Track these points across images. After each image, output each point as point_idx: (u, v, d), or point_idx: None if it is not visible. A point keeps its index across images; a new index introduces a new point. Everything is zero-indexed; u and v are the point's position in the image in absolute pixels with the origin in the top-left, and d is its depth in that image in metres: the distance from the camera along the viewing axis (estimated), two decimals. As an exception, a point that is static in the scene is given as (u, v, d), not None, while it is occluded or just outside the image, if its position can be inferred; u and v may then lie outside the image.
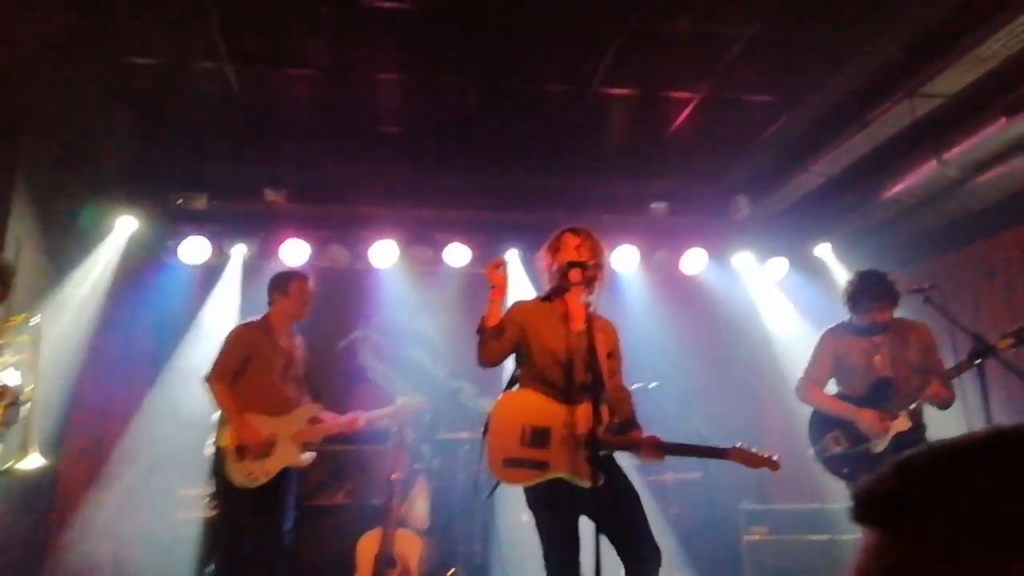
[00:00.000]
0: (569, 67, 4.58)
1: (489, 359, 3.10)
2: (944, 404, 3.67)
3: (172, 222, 5.69)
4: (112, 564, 5.08)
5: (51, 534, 5.13)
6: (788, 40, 4.22)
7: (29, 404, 3.24)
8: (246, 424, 3.82)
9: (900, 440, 3.65)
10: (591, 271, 3.11)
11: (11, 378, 3.27)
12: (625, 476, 3.08)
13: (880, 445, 3.68)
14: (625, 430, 3.11)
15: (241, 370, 3.95)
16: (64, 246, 5.30)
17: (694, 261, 6.15)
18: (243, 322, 4.17)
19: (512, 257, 6.05)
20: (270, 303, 4.16)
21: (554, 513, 2.91)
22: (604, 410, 2.92)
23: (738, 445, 2.99)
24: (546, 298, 3.19)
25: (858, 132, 4.75)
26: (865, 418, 3.72)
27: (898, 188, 5.22)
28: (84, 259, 5.31)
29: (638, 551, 2.89)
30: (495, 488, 3.08)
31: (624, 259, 5.96)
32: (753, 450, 2.99)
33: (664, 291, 6.12)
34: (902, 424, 3.66)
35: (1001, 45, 3.66)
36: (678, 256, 6.16)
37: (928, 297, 3.42)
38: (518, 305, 3.27)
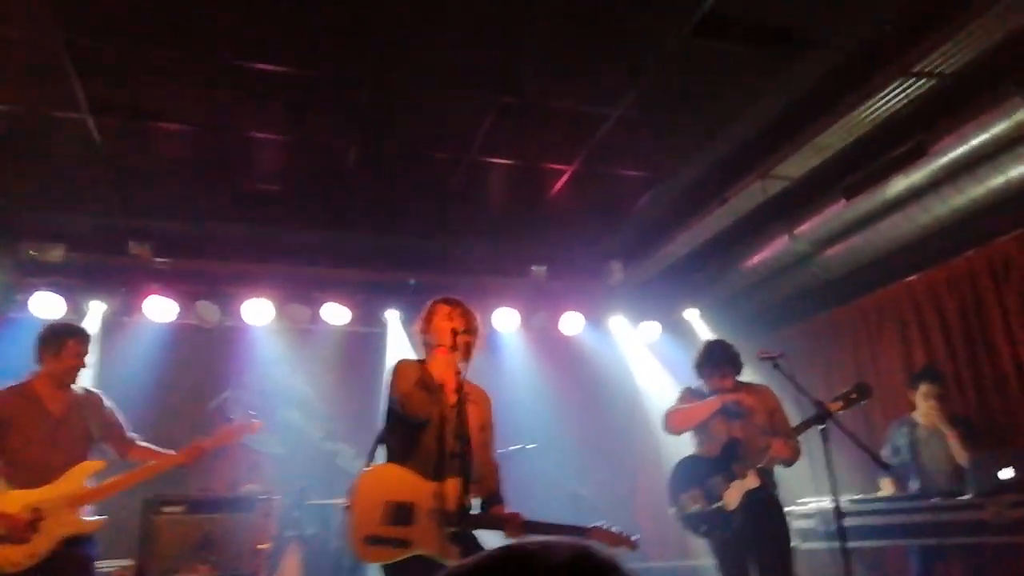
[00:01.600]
0: (448, 134, 4.69)
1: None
2: (787, 463, 3.94)
3: (23, 275, 5.29)
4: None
5: None
6: (654, 120, 4.53)
7: None
8: None
9: (750, 497, 3.87)
10: (464, 336, 3.15)
11: None
12: (480, 545, 3.05)
13: (732, 503, 3.89)
14: (490, 504, 3.11)
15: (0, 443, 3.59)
16: None
17: (572, 323, 6.34)
18: (0, 388, 3.73)
19: (391, 317, 6.02)
20: (38, 361, 3.75)
21: None
22: (471, 486, 2.92)
23: (599, 525, 3.04)
24: (421, 362, 3.20)
25: (717, 207, 5.12)
26: (706, 402, 4.02)
27: (755, 260, 5.65)
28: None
29: None
30: (356, 566, 2.99)
31: (504, 321, 6.07)
32: (614, 530, 3.05)
33: (543, 352, 6.26)
34: (751, 482, 3.88)
35: (837, 137, 4.09)
36: (556, 318, 6.34)
37: (777, 364, 3.68)
38: (410, 363, 3.21)
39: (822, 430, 3.42)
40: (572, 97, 4.25)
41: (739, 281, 5.98)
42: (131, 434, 3.92)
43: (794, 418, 4.08)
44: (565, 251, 6.45)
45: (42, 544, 3.42)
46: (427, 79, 4.08)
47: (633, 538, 3.02)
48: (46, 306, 5.23)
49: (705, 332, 6.22)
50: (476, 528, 2.96)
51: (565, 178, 5.19)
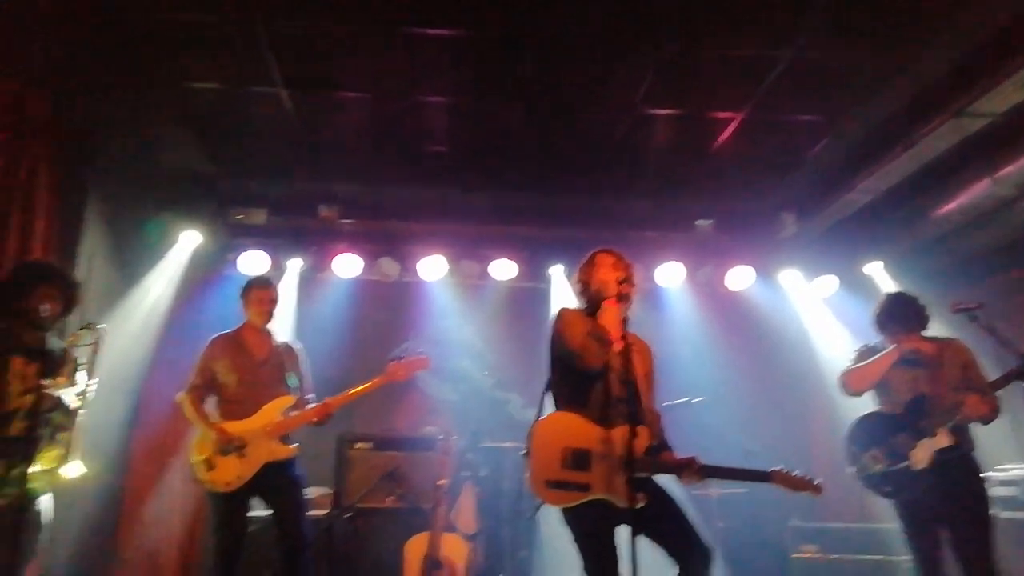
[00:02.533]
0: (612, 88, 4.67)
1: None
2: (983, 420, 3.61)
3: (232, 236, 5.96)
4: (177, 567, 5.33)
5: (119, 544, 5.38)
6: (832, 60, 4.24)
7: (82, 411, 3.31)
8: (211, 426, 3.94)
9: (941, 457, 3.62)
10: (627, 286, 3.17)
11: (75, 388, 3.37)
12: (659, 485, 3.09)
13: (920, 463, 3.65)
14: (658, 451, 3.14)
15: (213, 381, 4.09)
16: (132, 259, 5.60)
17: (740, 278, 6.15)
18: (216, 335, 4.25)
19: (556, 273, 6.16)
20: (243, 310, 4.26)
21: (593, 532, 2.95)
22: (642, 431, 2.95)
23: (780, 469, 2.99)
24: (589, 313, 3.27)
25: (904, 151, 4.73)
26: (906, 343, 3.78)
27: (950, 207, 5.16)
28: (150, 271, 5.60)
29: (688, 552, 2.91)
30: (539, 508, 3.11)
31: (669, 275, 6.01)
32: (795, 473, 2.99)
33: (709, 307, 6.14)
34: (942, 441, 3.62)
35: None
36: (723, 272, 6.18)
37: (975, 316, 3.40)
38: (576, 312, 3.27)
39: (1025, 385, 3.12)
40: (740, 42, 4.08)
41: (930, 231, 5.49)
42: (308, 396, 4.28)
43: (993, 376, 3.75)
44: (732, 203, 6.24)
45: (247, 468, 3.92)
46: (591, 32, 4.08)
47: (817, 481, 2.95)
48: (253, 264, 5.87)
49: (889, 286, 5.80)
50: (653, 473, 3.01)
51: (733, 127, 5.01)
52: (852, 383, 3.98)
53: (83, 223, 4.91)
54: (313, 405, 4.16)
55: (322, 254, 6.02)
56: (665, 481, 3.18)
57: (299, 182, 5.99)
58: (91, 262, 5.04)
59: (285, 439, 4.07)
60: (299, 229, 6.08)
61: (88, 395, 3.41)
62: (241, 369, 4.09)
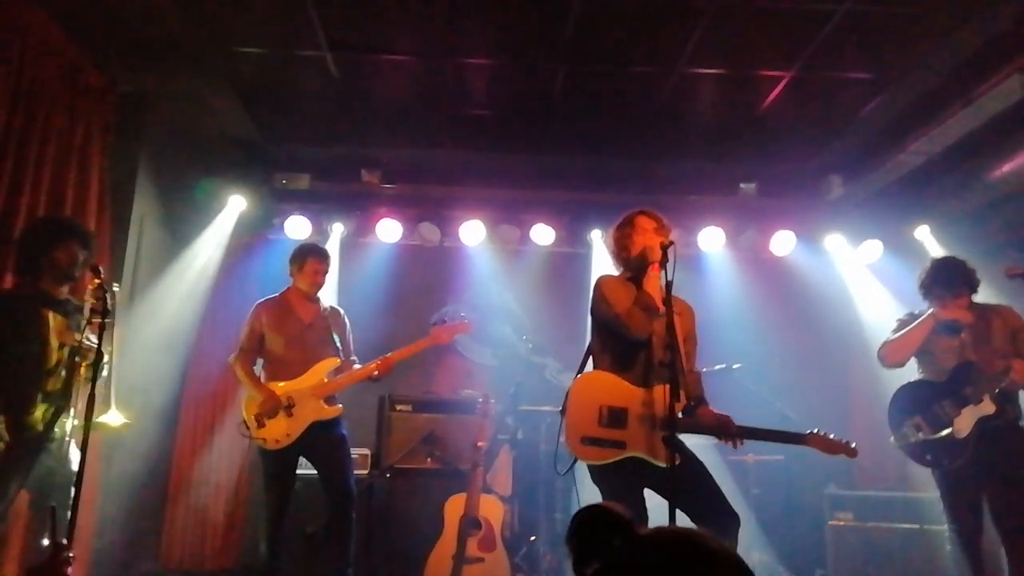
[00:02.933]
0: (656, 47, 4.59)
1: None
2: None
3: (277, 201, 6.07)
4: (226, 520, 5.55)
5: (169, 497, 5.60)
6: (887, 14, 4.09)
7: (108, 363, 3.31)
8: (260, 388, 4.07)
9: (985, 425, 3.55)
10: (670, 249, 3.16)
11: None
12: (689, 451, 3.12)
13: (963, 431, 3.59)
14: (694, 409, 3.16)
15: (261, 345, 4.21)
16: (181, 222, 5.76)
17: (783, 243, 6.05)
18: (261, 300, 4.37)
19: (596, 238, 6.14)
20: (291, 274, 4.36)
21: (623, 491, 2.97)
22: (680, 392, 2.95)
23: (816, 431, 3.01)
24: (631, 279, 3.26)
25: (962, 109, 4.55)
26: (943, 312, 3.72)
27: (1005, 169, 4.96)
28: (199, 234, 5.75)
29: (715, 517, 2.93)
30: (573, 464, 3.15)
31: (711, 240, 5.94)
32: (831, 436, 3.00)
33: (752, 272, 6.06)
34: (987, 408, 3.56)
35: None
36: (767, 237, 6.08)
37: (1030, 281, 3.30)
38: (617, 280, 3.30)
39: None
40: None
41: (983, 194, 5.29)
42: (353, 357, 4.40)
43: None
44: (777, 167, 6.10)
45: (295, 426, 4.05)
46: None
47: (852, 444, 2.98)
48: (297, 228, 5.98)
49: (937, 251, 5.64)
50: (690, 432, 3.04)
51: (782, 86, 4.89)
52: (889, 356, 3.92)
53: (135, 186, 5.06)
54: (359, 365, 4.27)
55: (364, 219, 6.09)
56: (696, 447, 3.21)
57: (342, 147, 6.05)
58: (142, 224, 5.20)
59: (331, 400, 4.19)
60: (342, 194, 6.15)
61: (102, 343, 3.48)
62: (288, 332, 4.21)
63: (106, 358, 3.29)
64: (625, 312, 3.08)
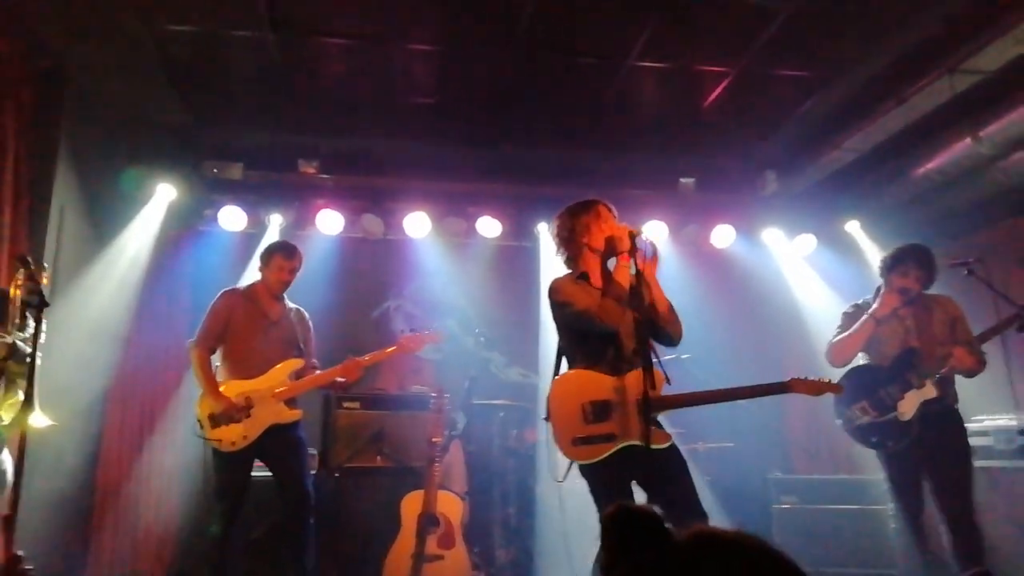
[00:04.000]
0: (606, 39, 4.60)
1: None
2: (970, 372, 3.75)
3: (209, 191, 5.76)
4: (157, 527, 5.24)
5: (96, 501, 5.25)
6: (828, 14, 4.23)
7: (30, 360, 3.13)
8: (216, 393, 3.87)
9: (927, 408, 3.73)
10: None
11: (24, 333, 3.12)
12: (678, 452, 3.12)
13: (907, 414, 3.76)
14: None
15: (224, 336, 4.02)
16: (105, 213, 5.39)
17: (723, 236, 6.22)
18: (228, 288, 4.20)
19: (543, 231, 6.13)
20: (260, 270, 4.21)
21: (611, 483, 2.97)
22: (656, 373, 2.96)
23: (796, 376, 3.10)
24: (581, 276, 3.23)
25: (894, 108, 4.78)
26: (880, 310, 3.88)
27: (931, 165, 5.25)
28: (125, 226, 5.39)
29: (685, 516, 2.95)
30: (569, 468, 3.09)
31: (654, 233, 6.03)
32: (812, 378, 3.10)
33: (694, 265, 6.19)
34: (929, 392, 3.74)
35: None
36: (707, 231, 6.23)
37: (971, 270, 3.48)
38: (569, 280, 3.26)
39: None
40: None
41: (908, 190, 5.59)
42: (314, 360, 4.26)
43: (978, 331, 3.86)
44: (715, 162, 6.26)
45: (253, 428, 3.87)
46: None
47: (835, 381, 3.11)
48: (231, 219, 5.70)
49: (867, 244, 5.93)
50: (677, 406, 3.06)
51: (726, 82, 5.00)
52: (836, 357, 4.06)
53: (54, 173, 4.69)
54: (319, 370, 4.14)
55: (303, 210, 5.86)
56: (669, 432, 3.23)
57: (278, 134, 5.80)
58: (63, 214, 4.83)
59: (291, 402, 4.03)
60: (278, 184, 5.89)
61: (38, 338, 3.23)
62: (252, 327, 4.03)
63: (30, 352, 3.04)
64: (595, 306, 3.06)
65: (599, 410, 3.00)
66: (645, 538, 1.12)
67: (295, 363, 4.06)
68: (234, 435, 3.84)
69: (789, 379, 3.06)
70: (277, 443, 3.92)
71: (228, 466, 3.86)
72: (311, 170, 5.87)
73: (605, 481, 2.98)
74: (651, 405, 2.87)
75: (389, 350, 4.29)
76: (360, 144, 5.92)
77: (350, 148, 5.93)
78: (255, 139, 5.84)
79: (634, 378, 2.98)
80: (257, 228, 5.77)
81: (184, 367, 5.47)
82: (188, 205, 5.70)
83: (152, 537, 5.24)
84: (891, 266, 3.94)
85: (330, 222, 5.82)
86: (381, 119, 5.60)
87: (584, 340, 3.14)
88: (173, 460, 5.37)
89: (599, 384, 3.04)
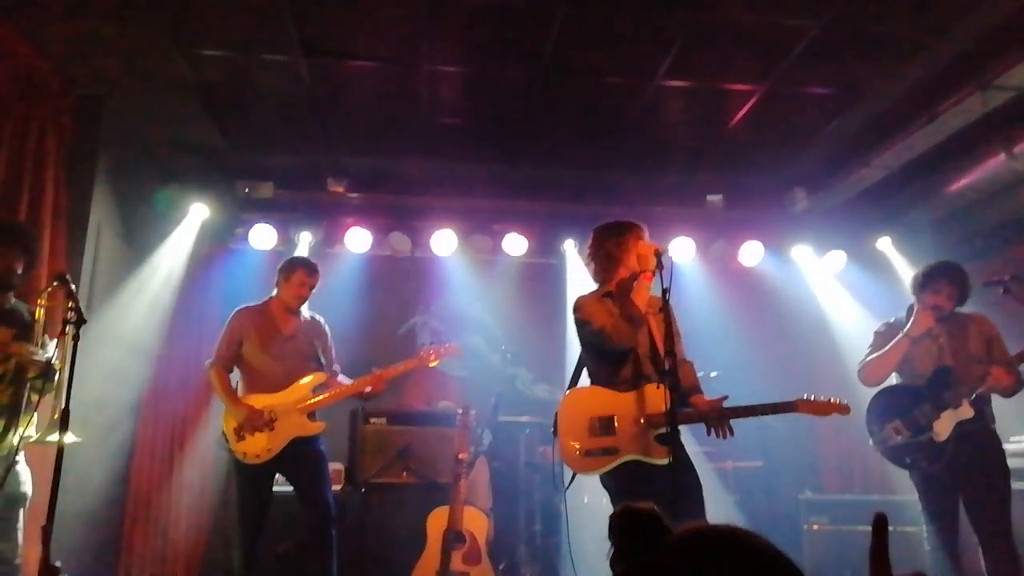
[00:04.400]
0: (632, 60, 4.61)
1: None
2: (1008, 392, 3.65)
3: (240, 210, 5.88)
4: (187, 544, 5.31)
5: (127, 517, 5.34)
6: (857, 32, 4.21)
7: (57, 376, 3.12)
8: (238, 403, 3.93)
9: (962, 429, 3.65)
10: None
11: (49, 351, 3.21)
12: (693, 468, 3.14)
13: (942, 434, 3.68)
14: (688, 396, 3.20)
15: (239, 353, 4.07)
16: (140, 232, 5.52)
17: (751, 253, 6.17)
18: (241, 307, 4.24)
19: (569, 248, 6.14)
20: (276, 285, 4.24)
21: (629, 490, 2.96)
22: (663, 391, 2.96)
23: (803, 396, 3.08)
24: (607, 295, 3.29)
25: (926, 125, 4.73)
26: (915, 328, 3.80)
27: (963, 182, 5.18)
28: (159, 245, 5.51)
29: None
30: (572, 479, 3.17)
31: (681, 250, 6.01)
32: (819, 398, 3.08)
33: (722, 283, 6.16)
34: (965, 412, 3.65)
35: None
36: (735, 248, 6.19)
37: (1007, 288, 3.41)
38: (594, 298, 3.33)
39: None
40: (771, 9, 4.02)
41: (941, 207, 5.54)
42: (336, 367, 4.30)
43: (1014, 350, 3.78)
44: (742, 179, 6.23)
45: (276, 441, 3.92)
46: (614, 2, 4.02)
47: (844, 401, 3.07)
48: (262, 237, 5.80)
49: (898, 261, 5.85)
50: (679, 424, 2.98)
51: (753, 101, 4.98)
52: (868, 376, 4.00)
53: (92, 193, 4.82)
54: (343, 376, 4.19)
55: (332, 228, 5.95)
56: (697, 450, 3.24)
57: (307, 155, 5.91)
58: (100, 233, 4.96)
59: (313, 416, 4.07)
60: (307, 203, 6.00)
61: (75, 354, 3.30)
62: (268, 343, 4.07)
63: (58, 369, 3.13)
64: (610, 325, 3.13)
65: (604, 424, 3.08)
66: (647, 537, 1.15)
67: (319, 377, 4.11)
68: (258, 448, 3.89)
69: (795, 399, 3.06)
70: (300, 457, 3.96)
71: (252, 478, 3.91)
72: (340, 189, 5.97)
73: (622, 487, 3.03)
74: (656, 421, 2.96)
75: (411, 362, 4.33)
76: (388, 163, 6.00)
77: (378, 167, 6.02)
78: (285, 159, 5.95)
79: (649, 393, 3.05)
80: (287, 246, 5.86)
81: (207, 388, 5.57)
82: (220, 224, 5.81)
83: (180, 550, 5.31)
84: (923, 284, 3.87)
85: (358, 240, 5.90)
86: (408, 139, 5.67)
87: (603, 357, 3.22)
88: (202, 474, 5.45)
89: (609, 400, 3.12)
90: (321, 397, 4.08)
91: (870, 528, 4.37)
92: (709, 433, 3.14)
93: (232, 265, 5.86)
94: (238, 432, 3.89)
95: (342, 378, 4.23)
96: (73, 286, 3.06)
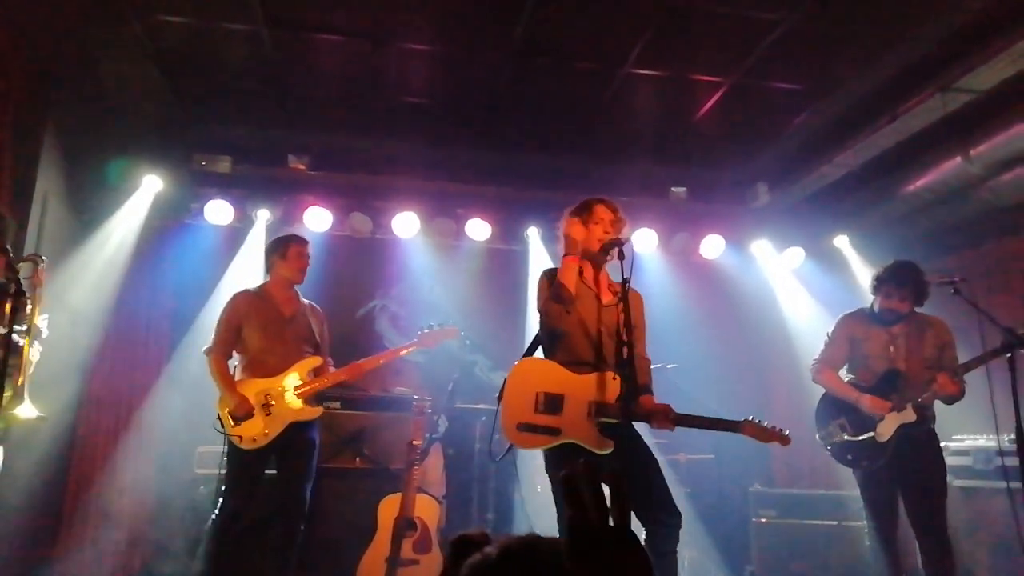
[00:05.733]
0: (603, 46, 4.58)
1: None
2: (950, 400, 3.73)
3: (196, 184, 5.71)
4: (130, 520, 5.18)
5: (68, 492, 5.19)
6: (826, 30, 4.23)
7: (32, 349, 3.13)
8: (232, 391, 3.86)
9: (905, 431, 3.73)
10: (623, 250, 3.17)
11: (20, 326, 3.17)
12: (643, 442, 3.12)
13: (884, 435, 3.76)
14: (636, 396, 3.14)
15: (238, 338, 4.01)
16: (90, 203, 5.33)
17: (712, 246, 6.21)
18: (239, 290, 4.18)
19: (533, 235, 6.10)
20: (269, 267, 4.17)
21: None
22: (615, 379, 3.00)
23: (750, 419, 3.06)
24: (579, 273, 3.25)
25: (886, 125, 4.78)
26: (866, 402, 3.82)
27: (920, 183, 5.25)
28: (109, 217, 5.33)
29: (657, 514, 2.94)
30: (508, 451, 3.15)
31: (643, 241, 6.01)
32: (764, 424, 3.05)
33: (683, 274, 6.18)
34: (908, 416, 3.73)
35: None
36: (697, 241, 6.22)
37: (957, 289, 3.47)
38: (547, 278, 3.28)
39: (1009, 358, 3.21)
40: (744, 1, 4.01)
41: (897, 207, 5.60)
42: (329, 357, 4.26)
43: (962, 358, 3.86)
44: (707, 172, 6.26)
45: (274, 426, 3.86)
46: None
47: (785, 432, 3.03)
48: (218, 213, 5.64)
49: (855, 259, 5.94)
50: (625, 420, 2.99)
51: (721, 93, 4.99)
52: (816, 379, 4.08)
53: (38, 161, 4.63)
54: (333, 368, 4.18)
55: (291, 206, 5.81)
56: (650, 442, 3.22)
57: (268, 129, 5.76)
58: (46, 203, 4.77)
59: (311, 400, 4.02)
60: (267, 179, 5.85)
61: (36, 332, 3.23)
62: (267, 325, 4.00)
63: (25, 344, 3.04)
64: (543, 303, 3.16)
65: (552, 402, 3.03)
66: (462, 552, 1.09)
67: (314, 361, 4.07)
68: (255, 431, 3.83)
69: (742, 420, 3.03)
70: (294, 442, 3.92)
71: (245, 463, 3.83)
72: (301, 166, 5.83)
73: (556, 470, 3.00)
74: (604, 411, 2.95)
75: (407, 347, 4.33)
76: (352, 142, 5.89)
77: (341, 145, 5.90)
78: (245, 133, 5.79)
79: (597, 379, 3.01)
80: (243, 223, 5.72)
81: (163, 359, 5.43)
82: (175, 197, 5.64)
83: (123, 535, 5.17)
84: (876, 288, 3.94)
85: (318, 219, 5.77)
86: (374, 117, 5.56)
87: (551, 335, 3.20)
88: (149, 454, 5.31)
89: (560, 377, 3.07)
90: (319, 381, 4.05)
91: (818, 522, 4.43)
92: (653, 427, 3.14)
93: (186, 240, 5.70)
94: (234, 416, 3.83)
95: (333, 369, 4.21)
96: (12, 256, 2.94)
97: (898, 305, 3.84)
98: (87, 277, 5.07)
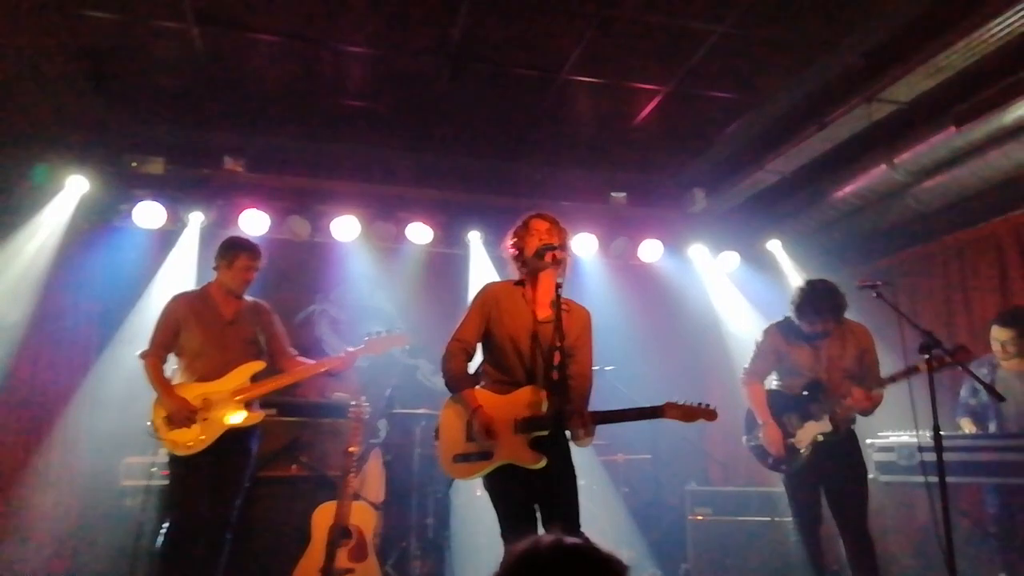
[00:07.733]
0: (541, 52, 4.61)
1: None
2: (863, 413, 3.89)
3: (126, 185, 5.52)
4: (55, 528, 4.97)
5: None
6: (757, 39, 4.35)
7: None
8: (171, 395, 3.78)
9: (823, 440, 3.87)
10: (561, 252, 3.18)
11: None
12: (570, 465, 3.10)
13: (802, 442, 3.92)
14: (562, 409, 3.02)
15: (176, 341, 3.93)
16: (12, 204, 5.10)
17: (651, 251, 6.30)
18: (178, 292, 4.11)
19: (474, 239, 6.09)
20: (215, 268, 4.08)
21: (506, 497, 3.00)
22: (539, 393, 2.98)
23: (672, 401, 2.98)
24: (518, 283, 3.26)
25: (815, 133, 4.93)
26: (767, 433, 3.99)
27: (848, 189, 5.45)
28: (32, 218, 5.12)
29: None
30: (450, 485, 3.19)
31: (583, 246, 6.07)
32: (687, 403, 2.99)
33: (621, 278, 6.26)
34: (825, 427, 3.87)
35: (958, 56, 3.86)
36: (636, 245, 6.30)
37: (879, 293, 3.59)
38: (489, 287, 3.31)
39: (927, 360, 3.33)
40: (678, 10, 4.08)
41: (827, 212, 5.80)
42: (291, 348, 4.17)
43: (884, 358, 4.00)
44: (646, 177, 6.36)
45: (209, 431, 3.76)
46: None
47: (711, 407, 2.98)
48: (148, 216, 5.46)
49: (787, 263, 6.11)
50: (544, 429, 2.95)
51: (657, 100, 5.07)
52: (744, 391, 4.21)
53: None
54: (302, 357, 4.14)
55: (227, 209, 5.67)
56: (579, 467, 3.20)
57: (203, 130, 5.61)
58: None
59: (251, 404, 3.92)
60: (201, 181, 5.69)
61: None
62: (207, 328, 3.90)
63: None
64: None
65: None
66: None
67: (256, 365, 3.97)
68: (189, 437, 3.73)
69: (664, 404, 2.95)
70: (230, 452, 3.82)
71: (182, 471, 3.73)
72: (237, 168, 5.71)
73: (497, 491, 3.03)
74: (526, 425, 2.94)
75: (360, 350, 4.18)
76: (289, 144, 5.78)
77: (278, 147, 5.78)
78: (179, 134, 5.62)
79: (518, 396, 3.01)
80: (176, 226, 5.56)
81: (89, 366, 5.24)
82: (103, 199, 5.44)
83: (43, 542, 4.95)
84: (798, 316, 4.01)
85: (255, 222, 5.64)
86: (312, 119, 5.48)
87: (484, 351, 3.22)
88: (72, 465, 5.09)
89: (488, 403, 3.05)
90: (260, 385, 3.95)
91: (751, 519, 4.53)
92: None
93: (114, 244, 5.50)
94: (169, 421, 3.72)
95: (301, 359, 4.12)
96: None
97: (820, 328, 3.97)
98: (7, 278, 4.86)
